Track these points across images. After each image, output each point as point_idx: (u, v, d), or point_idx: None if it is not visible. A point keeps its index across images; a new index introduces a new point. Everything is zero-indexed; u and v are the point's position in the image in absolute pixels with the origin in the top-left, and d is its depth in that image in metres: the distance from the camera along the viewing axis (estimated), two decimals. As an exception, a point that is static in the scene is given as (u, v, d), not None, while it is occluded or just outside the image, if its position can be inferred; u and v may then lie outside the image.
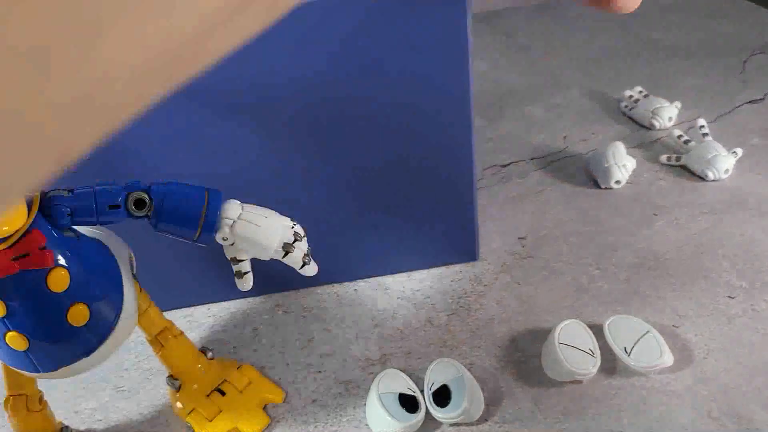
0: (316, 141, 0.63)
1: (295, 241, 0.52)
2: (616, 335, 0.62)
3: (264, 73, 0.58)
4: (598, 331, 0.63)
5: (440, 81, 0.61)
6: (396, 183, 0.67)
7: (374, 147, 0.64)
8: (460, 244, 0.73)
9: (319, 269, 0.54)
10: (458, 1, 0.57)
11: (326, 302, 0.72)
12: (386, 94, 0.61)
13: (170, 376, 0.62)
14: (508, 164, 0.91)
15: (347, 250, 0.72)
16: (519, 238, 0.77)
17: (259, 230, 0.50)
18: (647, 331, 0.61)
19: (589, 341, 0.61)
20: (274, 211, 0.53)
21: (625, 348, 0.61)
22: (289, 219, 0.53)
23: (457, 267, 0.75)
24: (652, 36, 1.20)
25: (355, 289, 0.73)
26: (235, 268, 0.52)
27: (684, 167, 0.85)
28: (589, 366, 0.59)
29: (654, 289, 0.68)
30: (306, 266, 0.52)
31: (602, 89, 1.06)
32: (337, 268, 0.74)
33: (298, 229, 0.53)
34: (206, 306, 0.74)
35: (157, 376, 0.66)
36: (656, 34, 1.21)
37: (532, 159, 0.91)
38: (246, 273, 0.52)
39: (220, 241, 0.50)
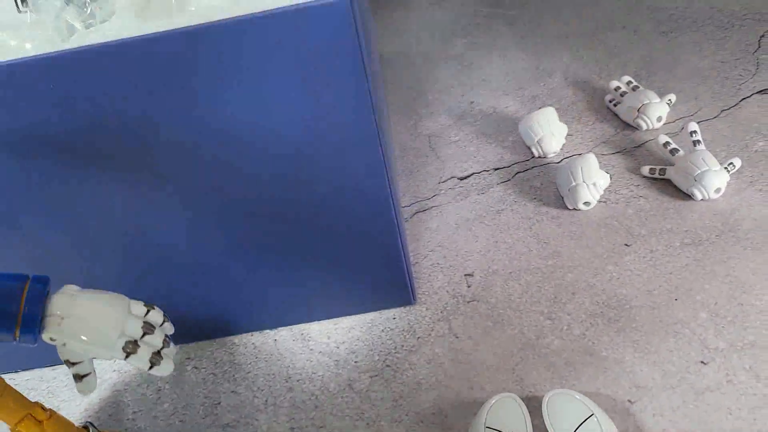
0: (214, 180, 0.54)
1: (145, 335, 0.43)
2: (554, 416, 0.52)
3: (141, 110, 0.49)
4: (535, 406, 0.54)
5: (342, 114, 0.50)
6: (314, 223, 0.57)
7: (283, 185, 0.54)
8: (392, 287, 0.64)
9: (174, 367, 0.45)
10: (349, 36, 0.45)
11: (242, 355, 0.64)
12: (287, 133, 0.51)
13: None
14: (469, 176, 0.79)
15: (268, 296, 0.63)
16: (466, 274, 0.67)
17: (93, 329, 0.42)
18: (591, 415, 0.51)
19: (522, 424, 0.52)
20: (119, 297, 0.44)
21: (565, 432, 0.51)
22: (141, 304, 0.45)
23: (390, 312, 0.65)
24: (657, 2, 1.05)
25: (275, 339, 0.65)
26: (71, 371, 0.44)
27: (669, 182, 0.72)
28: (519, 457, 0.50)
29: (612, 349, 0.58)
30: (155, 367, 0.43)
31: (588, 76, 0.92)
32: (258, 315, 0.65)
33: (153, 316, 0.45)
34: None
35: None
36: (660, 1, 1.05)
37: (496, 169, 0.80)
38: (86, 375, 0.44)
39: (49, 342, 0.42)
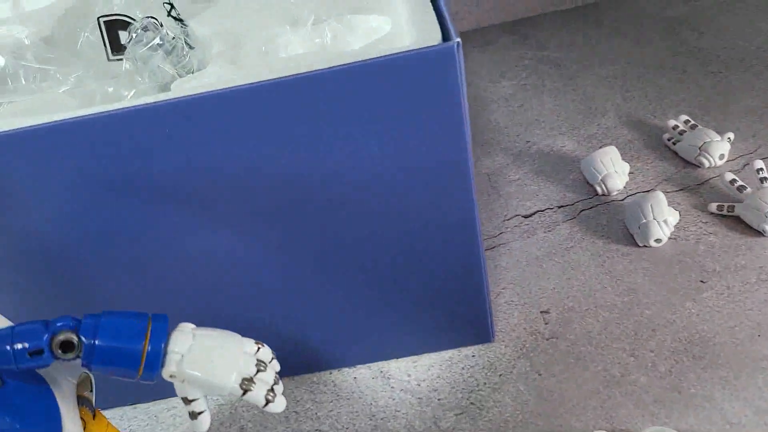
0: (306, 225, 0.55)
1: (258, 372, 0.44)
2: (652, 454, 0.52)
3: (240, 157, 0.51)
4: (631, 443, 0.53)
5: (436, 154, 0.52)
6: (395, 260, 0.58)
7: (367, 223, 0.56)
8: (471, 324, 0.64)
9: (287, 404, 0.46)
10: (450, 66, 0.47)
11: (322, 393, 0.64)
12: (378, 168, 0.52)
13: (140, 499, 0.55)
14: (533, 213, 0.81)
15: (346, 333, 0.64)
16: (541, 312, 0.68)
17: (212, 366, 0.43)
18: (690, 452, 0.51)
19: (620, 461, 0.52)
20: (233, 335, 0.45)
21: (663, 471, 0.51)
22: (252, 342, 0.46)
23: (469, 350, 0.65)
24: (700, 44, 1.07)
25: (355, 378, 0.65)
26: (187, 408, 0.44)
27: (738, 218, 0.73)
28: (620, 495, 0.50)
29: (700, 386, 0.58)
30: (270, 404, 0.44)
31: (642, 115, 0.94)
32: (335, 353, 0.66)
33: (264, 354, 0.45)
34: (192, 396, 0.67)
35: (133, 486, 0.60)
36: (705, 42, 1.07)
37: (560, 207, 0.81)
38: (201, 413, 0.45)
39: (168, 379, 0.43)
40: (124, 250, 0.54)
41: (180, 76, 0.58)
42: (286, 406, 0.62)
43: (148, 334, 0.41)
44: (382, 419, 0.60)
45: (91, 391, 0.50)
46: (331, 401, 0.63)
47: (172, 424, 0.64)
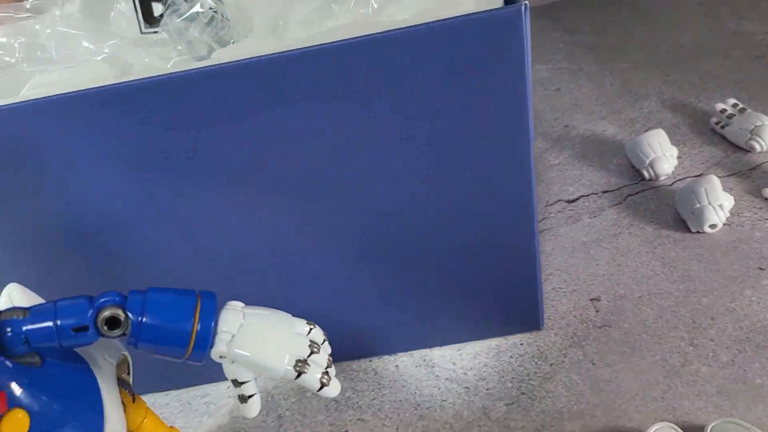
0: (353, 206, 0.52)
1: (311, 354, 0.41)
2: (722, 447, 0.49)
3: (291, 127, 0.48)
4: (697, 436, 0.50)
5: (497, 131, 0.49)
6: (443, 242, 0.55)
7: (417, 204, 0.53)
8: (520, 311, 0.61)
9: (341, 388, 0.43)
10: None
11: (363, 381, 0.61)
12: (433, 147, 0.49)
13: (177, 488, 0.53)
14: (577, 199, 0.77)
15: (389, 319, 0.61)
16: (591, 299, 0.65)
17: (264, 346, 0.40)
18: (764, 446, 0.48)
19: (688, 455, 0.49)
20: (284, 314, 0.42)
21: (734, 465, 0.48)
22: (304, 322, 0.43)
23: (516, 338, 0.62)
24: (741, 28, 1.03)
25: (397, 366, 0.62)
26: (236, 391, 0.42)
27: (795, 204, 0.69)
28: (689, 491, 0.47)
29: (766, 376, 0.54)
30: (325, 388, 0.41)
31: (686, 99, 0.90)
32: (376, 340, 0.63)
33: (316, 334, 0.43)
34: (226, 383, 0.65)
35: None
36: (746, 26, 1.04)
37: (605, 192, 0.77)
38: (251, 396, 0.42)
39: (217, 359, 0.40)
40: (164, 223, 0.52)
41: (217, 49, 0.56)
42: (326, 395, 0.59)
43: (197, 312, 0.39)
44: (427, 409, 0.58)
45: (129, 373, 0.48)
46: (373, 390, 0.60)
47: (205, 412, 0.62)
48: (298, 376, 0.40)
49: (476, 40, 0.44)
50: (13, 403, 0.36)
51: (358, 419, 0.58)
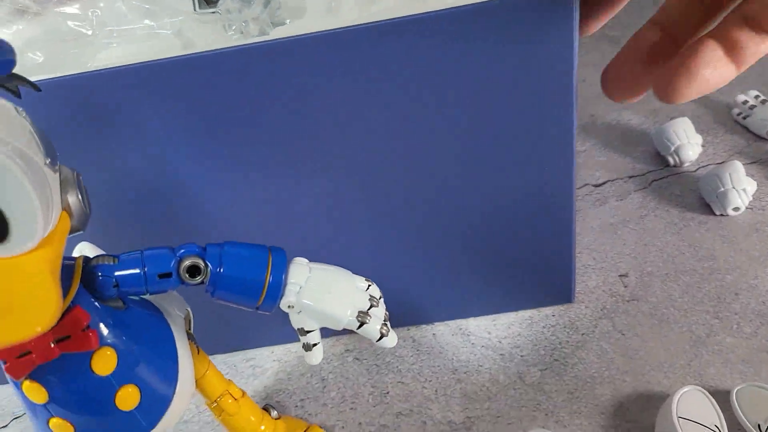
0: (396, 172, 0.55)
1: (371, 307, 0.44)
2: (747, 409, 0.52)
3: (339, 104, 0.51)
4: (723, 399, 0.53)
5: (538, 106, 0.52)
6: (484, 215, 0.58)
7: (459, 175, 0.56)
8: (553, 284, 0.64)
9: (397, 338, 0.46)
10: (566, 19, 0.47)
11: (401, 348, 0.65)
12: (474, 117, 0.53)
13: (232, 440, 0.56)
14: (603, 183, 0.81)
15: (426, 290, 0.64)
16: (620, 275, 0.68)
17: (330, 297, 0.43)
18: (788, 407, 0.51)
19: (714, 416, 0.52)
20: (345, 271, 0.46)
21: (759, 425, 0.51)
22: (363, 279, 0.46)
23: (548, 310, 0.66)
24: (763, 25, 1.06)
25: (434, 334, 0.66)
26: (302, 339, 0.45)
27: (816, 190, 0.72)
28: (716, 447, 0.50)
29: (789, 347, 0.57)
30: (384, 338, 0.44)
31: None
32: (413, 309, 0.66)
33: (374, 290, 0.46)
34: (269, 348, 0.68)
35: (219, 430, 0.60)
36: (768, 23, 1.06)
37: (630, 177, 0.81)
38: (315, 345, 0.45)
39: (285, 309, 0.43)
40: (223, 189, 0.55)
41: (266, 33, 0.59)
42: (366, 359, 0.63)
43: (270, 265, 0.42)
44: (465, 373, 0.61)
45: (191, 328, 0.51)
46: (412, 356, 0.64)
47: (251, 374, 0.65)
48: (360, 326, 0.44)
49: (525, 19, 0.48)
50: (102, 341, 0.40)
51: (399, 382, 0.61)
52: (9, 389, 0.69)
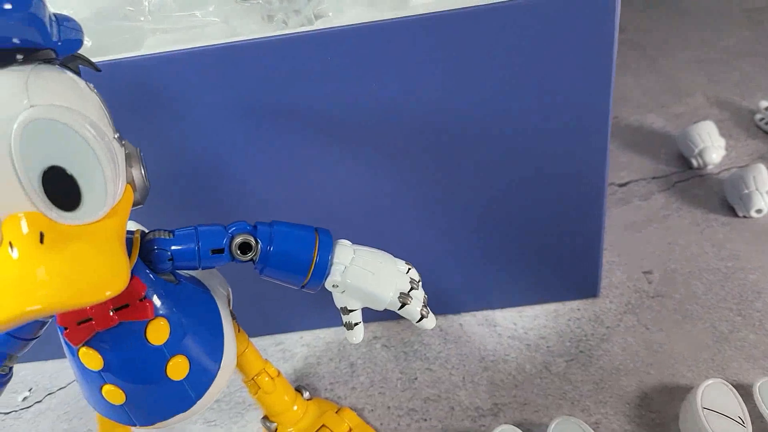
0: (430, 164, 0.57)
1: (411, 289, 0.46)
2: (770, 402, 0.54)
3: (376, 92, 0.52)
4: (745, 393, 0.55)
5: (576, 102, 0.53)
6: (515, 208, 0.60)
7: (493, 170, 0.57)
8: (580, 278, 0.66)
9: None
10: (607, 19, 0.49)
11: (429, 336, 0.66)
12: (513, 114, 0.54)
13: (265, 418, 0.57)
14: (627, 183, 0.82)
15: (455, 280, 0.66)
16: (644, 272, 0.69)
17: (374, 278, 0.45)
18: (811, 401, 0.52)
19: (738, 408, 0.53)
20: (387, 254, 0.47)
21: (782, 418, 0.52)
22: (403, 262, 0.48)
23: (573, 303, 0.67)
24: (785, 34, 1.08)
25: (461, 324, 0.67)
26: (344, 318, 0.47)
27: (837, 194, 0.74)
28: (740, 438, 0.51)
29: (811, 345, 0.59)
30: (424, 319, 0.46)
31: (730, 97, 0.95)
32: (441, 299, 0.67)
33: (414, 274, 0.47)
34: (299, 334, 0.70)
35: (249, 411, 0.62)
36: (790, 32, 1.08)
37: (654, 178, 0.82)
38: (357, 324, 0.47)
39: (330, 288, 0.45)
40: (267, 171, 0.57)
41: (311, 23, 0.60)
42: (394, 346, 0.64)
43: (317, 245, 0.44)
44: (492, 362, 0.62)
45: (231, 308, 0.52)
46: (439, 344, 0.65)
47: (281, 358, 0.67)
48: (402, 306, 0.45)
49: (567, 17, 0.49)
50: (156, 312, 0.41)
51: (426, 368, 0.63)
52: (43, 366, 0.71)
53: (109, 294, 0.33)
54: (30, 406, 0.67)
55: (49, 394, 0.68)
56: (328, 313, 0.69)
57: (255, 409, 0.62)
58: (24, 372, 0.70)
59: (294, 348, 0.68)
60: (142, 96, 0.53)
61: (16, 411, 0.66)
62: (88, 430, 0.63)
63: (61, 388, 0.68)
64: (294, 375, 0.65)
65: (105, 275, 0.33)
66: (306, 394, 0.59)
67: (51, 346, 0.69)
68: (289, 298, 0.67)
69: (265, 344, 0.69)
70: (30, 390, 0.69)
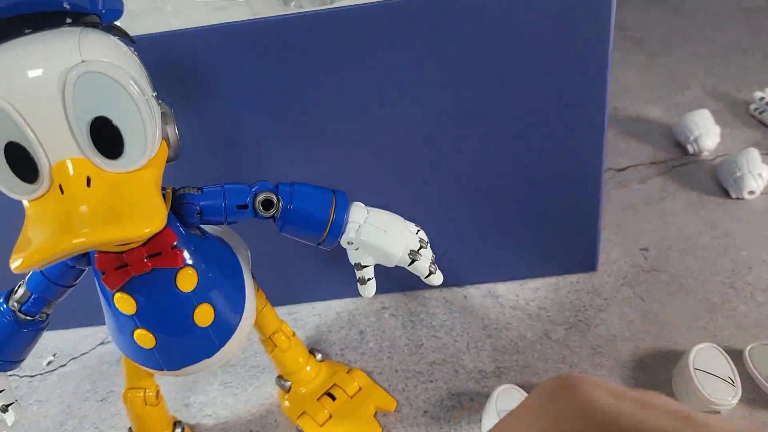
0: (436, 141, 0.60)
1: (421, 248, 0.49)
2: (758, 364, 0.57)
3: (385, 72, 0.56)
4: (736, 357, 0.58)
5: (575, 81, 0.57)
6: (517, 185, 0.63)
7: (497, 147, 0.61)
8: (579, 253, 0.69)
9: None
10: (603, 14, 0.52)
11: (435, 307, 0.69)
12: (516, 94, 0.57)
13: (280, 377, 0.61)
14: (626, 168, 0.85)
15: (459, 253, 0.69)
16: (640, 249, 0.72)
17: (386, 236, 0.48)
18: (796, 362, 0.56)
19: (728, 368, 0.56)
20: (398, 216, 0.51)
21: (769, 379, 0.55)
22: (413, 224, 0.51)
23: (573, 277, 0.70)
24: (781, 31, 1.11)
25: (465, 296, 0.70)
26: (358, 274, 0.50)
27: (827, 178, 0.77)
28: (729, 396, 0.54)
29: (798, 314, 0.62)
30: (432, 275, 0.49)
31: (727, 89, 0.98)
32: (446, 272, 0.70)
33: (423, 235, 0.51)
34: (311, 304, 0.73)
35: (263, 374, 0.65)
36: (786, 30, 1.11)
37: (651, 163, 0.85)
38: (369, 279, 0.50)
39: (345, 245, 0.48)
40: (286, 146, 0.60)
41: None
42: (401, 315, 0.67)
43: (333, 205, 0.47)
44: (494, 329, 0.65)
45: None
46: (444, 313, 0.68)
47: (294, 326, 0.70)
48: (412, 263, 0.48)
49: (563, 11, 0.53)
50: (185, 262, 0.45)
51: (432, 335, 0.66)
52: (66, 334, 0.74)
53: (148, 231, 0.36)
54: (54, 370, 0.70)
55: (72, 358, 0.71)
56: (338, 285, 0.72)
57: (269, 372, 0.65)
58: (48, 339, 0.74)
59: (306, 317, 0.71)
60: (167, 68, 0.56)
61: (41, 374, 0.70)
62: (110, 390, 0.66)
63: (83, 353, 0.71)
64: (307, 342, 0.68)
65: (145, 214, 0.37)
66: (318, 356, 0.62)
67: (75, 314, 0.73)
68: (302, 271, 0.71)
69: (279, 314, 0.71)
70: (54, 355, 0.72)
